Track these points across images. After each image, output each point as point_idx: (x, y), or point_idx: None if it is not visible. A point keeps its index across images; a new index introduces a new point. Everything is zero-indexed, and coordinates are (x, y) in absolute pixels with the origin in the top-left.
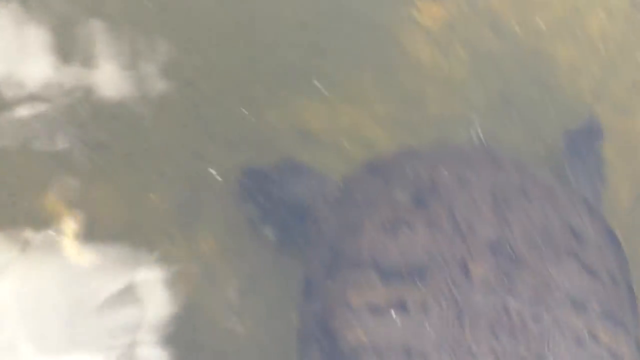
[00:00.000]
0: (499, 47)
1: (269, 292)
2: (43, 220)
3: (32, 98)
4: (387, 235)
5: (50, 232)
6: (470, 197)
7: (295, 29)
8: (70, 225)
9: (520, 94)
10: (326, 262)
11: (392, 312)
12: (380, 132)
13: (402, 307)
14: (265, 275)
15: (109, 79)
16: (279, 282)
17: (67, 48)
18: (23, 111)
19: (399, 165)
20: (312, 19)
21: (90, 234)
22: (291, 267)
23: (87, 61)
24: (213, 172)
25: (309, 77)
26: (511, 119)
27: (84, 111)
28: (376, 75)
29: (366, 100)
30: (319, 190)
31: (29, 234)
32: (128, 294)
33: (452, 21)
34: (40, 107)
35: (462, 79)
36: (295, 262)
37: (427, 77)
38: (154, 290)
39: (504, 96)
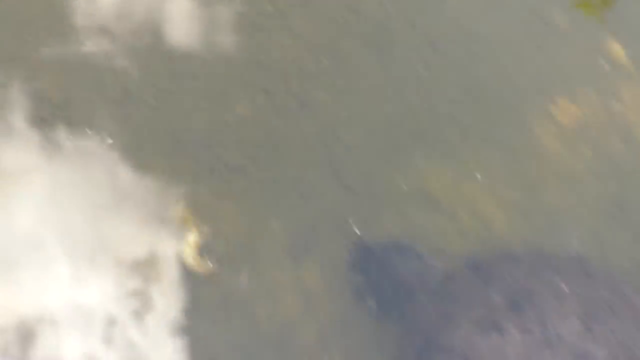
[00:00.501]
0: (623, 153)
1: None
2: (171, 227)
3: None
4: (481, 334)
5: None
6: (562, 308)
7: (439, 99)
8: (194, 235)
9: (635, 202)
10: (418, 347)
11: None
12: (496, 210)
13: None
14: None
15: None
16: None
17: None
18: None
19: (499, 267)
20: (458, 94)
21: (209, 246)
22: (385, 340)
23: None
24: (351, 222)
25: (440, 144)
26: (620, 224)
27: (229, 134)
28: (503, 155)
29: (489, 176)
30: (423, 274)
31: (156, 237)
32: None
33: (585, 122)
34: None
35: (581, 177)
36: (389, 336)
37: (550, 168)
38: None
39: (618, 200)
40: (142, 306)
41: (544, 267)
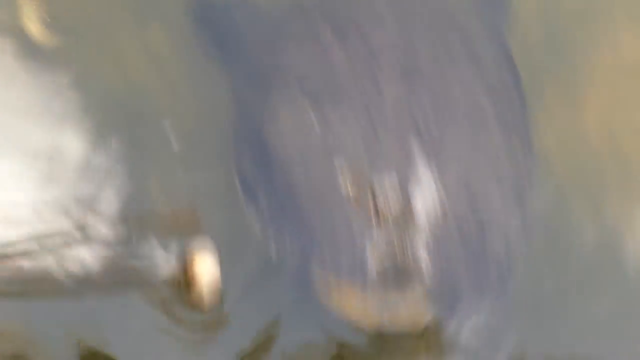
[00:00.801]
0: None
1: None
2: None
3: None
4: (309, 51)
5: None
6: (380, 17)
7: None
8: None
9: None
10: (255, 83)
11: (318, 126)
12: None
13: (325, 119)
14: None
15: None
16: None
17: None
18: None
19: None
20: None
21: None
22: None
23: None
24: None
25: None
26: None
27: None
28: None
29: None
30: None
31: None
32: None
33: None
34: None
35: None
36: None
37: None
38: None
39: None
40: None
41: None
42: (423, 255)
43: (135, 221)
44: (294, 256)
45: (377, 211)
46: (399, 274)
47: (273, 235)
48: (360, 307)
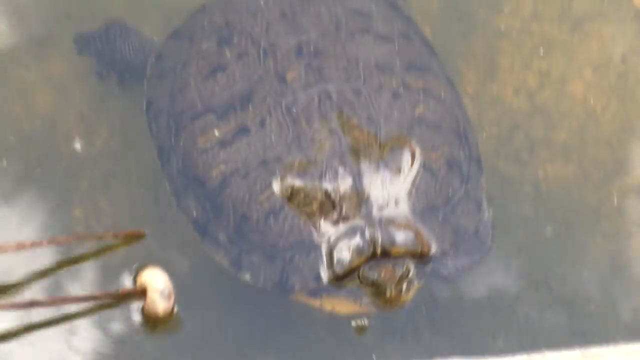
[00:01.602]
0: None
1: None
2: None
3: None
4: (209, 81)
5: None
6: (264, 21)
7: None
8: None
9: None
10: (171, 128)
11: (239, 138)
12: None
13: (244, 130)
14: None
15: None
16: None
17: None
18: None
19: (196, 22)
20: None
21: None
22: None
23: None
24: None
25: None
26: None
27: None
28: None
29: None
30: (147, 53)
31: None
32: None
33: None
34: None
35: None
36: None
37: None
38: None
39: None
40: None
41: (234, 3)
42: (393, 231)
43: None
44: (263, 280)
45: (330, 204)
46: (378, 258)
47: (237, 264)
48: (345, 306)
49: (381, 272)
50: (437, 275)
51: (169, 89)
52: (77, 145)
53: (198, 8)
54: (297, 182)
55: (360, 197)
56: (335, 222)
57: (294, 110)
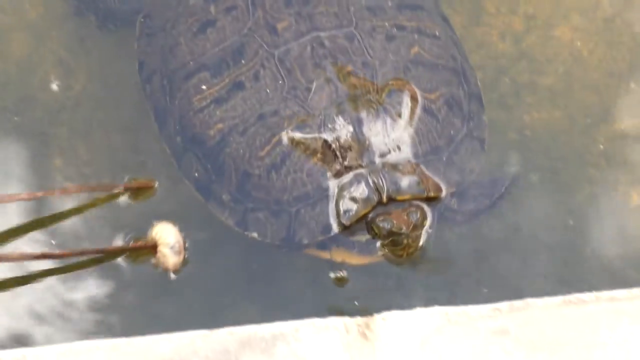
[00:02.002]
0: None
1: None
2: None
3: None
4: (199, 38)
5: None
6: None
7: None
8: None
9: None
10: (165, 88)
11: (234, 94)
12: None
13: (239, 86)
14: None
15: None
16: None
17: None
18: None
19: None
20: None
21: None
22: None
23: None
24: None
25: None
26: None
27: None
28: None
29: None
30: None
31: None
32: None
33: None
34: None
35: None
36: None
37: None
38: None
39: None
40: None
41: None
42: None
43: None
44: (271, 236)
45: (331, 155)
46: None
47: (242, 223)
48: (356, 258)
49: (395, 221)
50: (447, 219)
51: (159, 49)
52: (55, 89)
53: None
54: (297, 135)
55: (361, 145)
56: (339, 173)
57: (288, 61)
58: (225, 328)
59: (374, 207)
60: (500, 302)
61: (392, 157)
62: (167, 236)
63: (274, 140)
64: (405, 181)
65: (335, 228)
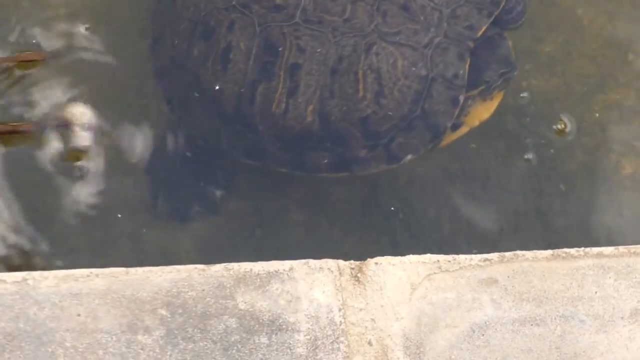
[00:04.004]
0: None
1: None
2: None
3: None
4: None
5: None
6: None
7: None
8: None
9: None
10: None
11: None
12: None
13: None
14: None
15: None
16: None
17: None
18: None
19: None
20: None
21: None
22: None
23: None
24: None
25: None
26: None
27: None
28: None
29: None
30: None
31: None
32: None
33: None
34: None
35: None
36: None
37: None
38: None
39: None
40: None
41: None
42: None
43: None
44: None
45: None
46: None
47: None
48: (485, 110)
49: (497, 65)
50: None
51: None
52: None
53: None
54: (375, 59)
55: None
56: (423, 59)
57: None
58: (221, 264)
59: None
60: (491, 253)
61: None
62: (81, 116)
63: (360, 75)
64: (472, 20)
65: (458, 98)
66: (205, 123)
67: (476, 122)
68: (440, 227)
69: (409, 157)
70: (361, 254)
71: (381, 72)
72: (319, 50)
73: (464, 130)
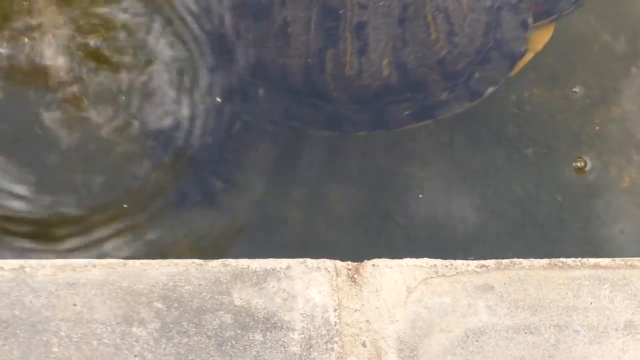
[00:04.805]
0: None
1: None
2: None
3: None
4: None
5: None
6: None
7: None
8: None
9: None
10: None
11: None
12: None
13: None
14: None
15: None
16: None
17: None
18: None
19: None
20: None
21: None
22: None
23: None
24: None
25: None
26: None
27: None
28: None
29: None
30: None
31: None
32: None
33: None
34: None
35: None
36: None
37: None
38: None
39: None
40: None
41: None
42: None
43: None
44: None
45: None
46: None
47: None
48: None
49: None
50: None
51: None
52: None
53: None
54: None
55: None
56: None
57: None
58: (219, 260)
59: None
60: (488, 260)
61: None
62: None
63: (429, 18)
64: None
65: (527, 21)
66: (273, 107)
67: (539, 47)
68: (437, 233)
69: (490, 89)
70: (357, 256)
71: (449, 11)
72: (381, 3)
73: (529, 56)
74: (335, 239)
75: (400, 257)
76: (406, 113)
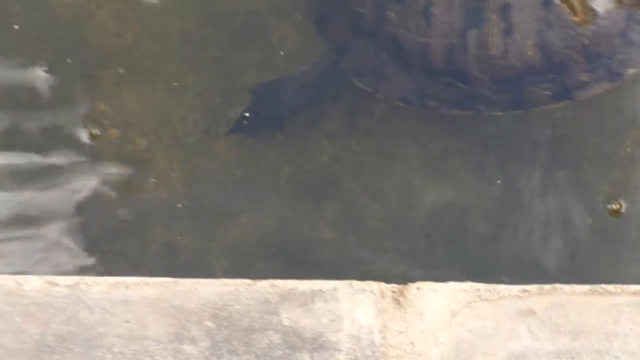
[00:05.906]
0: None
1: None
2: None
3: None
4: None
5: None
6: None
7: None
8: None
9: None
10: None
11: None
12: None
13: None
14: None
15: None
16: None
17: None
18: None
19: None
20: None
21: None
22: None
23: None
24: None
25: None
26: None
27: None
28: None
29: None
30: None
31: None
32: None
33: None
34: None
35: None
36: None
37: None
38: None
39: None
40: None
41: None
42: None
43: None
44: None
45: None
46: None
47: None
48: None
49: None
50: None
51: None
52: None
53: None
54: None
55: None
56: None
57: None
58: (268, 280)
59: None
60: (530, 285)
61: None
62: None
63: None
64: None
65: None
66: (406, 85)
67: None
68: (472, 254)
69: (632, 71)
70: (391, 276)
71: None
72: None
73: None
74: (367, 258)
75: (435, 278)
76: (545, 93)
